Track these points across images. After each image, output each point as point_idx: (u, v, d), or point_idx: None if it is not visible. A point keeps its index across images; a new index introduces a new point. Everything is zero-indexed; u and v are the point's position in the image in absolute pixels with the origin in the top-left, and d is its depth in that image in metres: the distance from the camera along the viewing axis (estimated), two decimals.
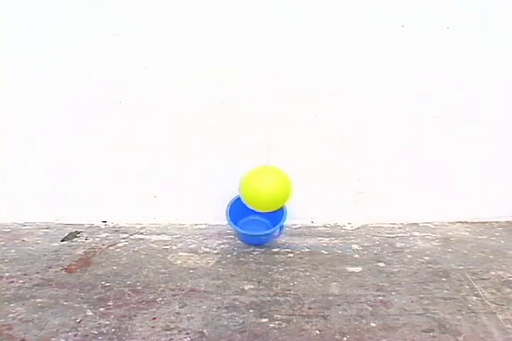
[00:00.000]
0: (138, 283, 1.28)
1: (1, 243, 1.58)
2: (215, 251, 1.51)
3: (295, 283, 1.28)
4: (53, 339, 1.02)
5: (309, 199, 1.73)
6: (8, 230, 1.70)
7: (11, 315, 1.12)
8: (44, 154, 1.72)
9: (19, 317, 1.11)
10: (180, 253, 1.49)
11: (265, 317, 1.10)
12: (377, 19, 1.60)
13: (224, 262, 1.42)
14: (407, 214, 1.75)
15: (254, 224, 1.59)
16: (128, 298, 1.20)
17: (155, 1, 1.60)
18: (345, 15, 1.60)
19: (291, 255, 1.47)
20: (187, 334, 1.04)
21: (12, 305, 1.16)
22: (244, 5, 1.60)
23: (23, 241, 1.60)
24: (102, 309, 1.14)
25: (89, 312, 1.13)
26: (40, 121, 1.70)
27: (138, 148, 1.71)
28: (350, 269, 1.36)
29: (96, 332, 1.04)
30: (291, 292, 1.23)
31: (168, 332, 1.05)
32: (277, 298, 1.20)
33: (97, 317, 1.11)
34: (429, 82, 1.64)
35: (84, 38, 1.63)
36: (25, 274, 1.34)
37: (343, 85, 1.65)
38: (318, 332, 1.05)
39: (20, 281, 1.29)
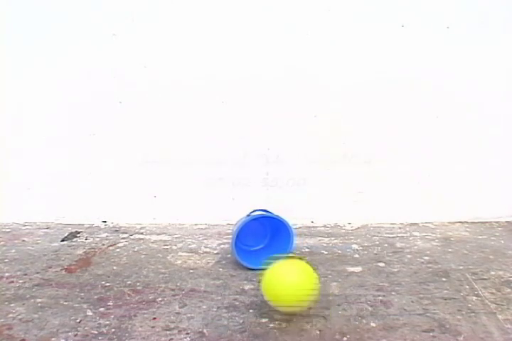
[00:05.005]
0: (138, 283, 1.28)
1: (1, 243, 1.58)
2: (215, 251, 1.51)
3: None
4: (53, 339, 1.02)
5: (309, 199, 1.73)
6: (8, 230, 1.70)
7: (11, 315, 1.11)
8: (44, 154, 1.72)
9: (19, 317, 1.11)
10: (180, 253, 1.49)
11: (265, 317, 1.10)
12: (377, 19, 1.60)
13: (224, 262, 1.42)
14: (407, 214, 1.75)
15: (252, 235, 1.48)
16: (128, 298, 1.20)
17: (155, 0, 1.60)
18: (345, 15, 1.60)
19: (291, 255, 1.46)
20: (187, 334, 1.04)
21: (12, 305, 1.16)
22: (243, 5, 1.60)
23: (23, 241, 1.60)
24: (102, 309, 1.14)
25: (89, 312, 1.13)
26: (40, 120, 1.70)
27: (138, 148, 1.71)
28: (350, 269, 1.36)
29: (96, 332, 1.04)
30: None
31: (168, 332, 1.04)
32: None
33: (97, 317, 1.10)
34: (429, 82, 1.64)
35: (84, 38, 1.63)
36: (25, 274, 1.34)
37: (343, 85, 1.65)
38: (318, 332, 1.04)
39: (20, 281, 1.29)
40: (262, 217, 1.42)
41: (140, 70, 1.65)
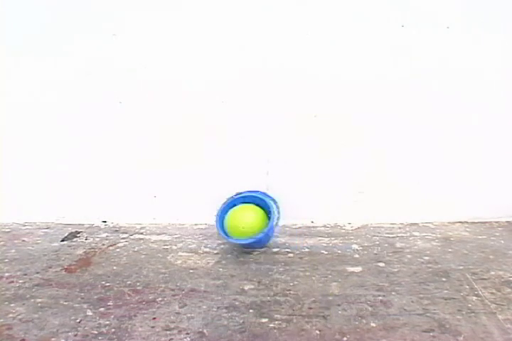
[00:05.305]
0: (138, 283, 1.28)
1: (1, 243, 1.58)
2: (215, 251, 1.51)
3: (295, 283, 1.28)
4: (53, 339, 1.02)
5: (309, 199, 1.73)
6: (8, 230, 1.70)
7: (11, 315, 1.12)
8: (44, 154, 1.72)
9: (19, 317, 1.11)
10: (180, 253, 1.49)
11: (265, 317, 1.10)
12: (377, 19, 1.60)
13: (224, 262, 1.42)
14: (407, 214, 1.75)
15: None
16: (128, 298, 1.20)
17: (155, 1, 1.60)
18: (345, 15, 1.60)
19: (291, 255, 1.47)
20: (187, 334, 1.04)
21: (12, 305, 1.16)
22: (244, 5, 1.60)
23: (23, 241, 1.60)
24: (102, 309, 1.14)
25: (89, 312, 1.13)
26: (40, 120, 1.70)
27: (138, 148, 1.71)
28: (350, 269, 1.36)
29: (96, 332, 1.04)
30: (291, 292, 1.23)
31: (168, 332, 1.05)
32: (277, 298, 1.20)
33: (97, 317, 1.11)
34: (429, 82, 1.64)
35: (84, 38, 1.63)
36: (25, 274, 1.34)
37: (343, 85, 1.65)
38: (318, 332, 1.05)
39: (20, 281, 1.29)
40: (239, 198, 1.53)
41: (140, 70, 1.65)
